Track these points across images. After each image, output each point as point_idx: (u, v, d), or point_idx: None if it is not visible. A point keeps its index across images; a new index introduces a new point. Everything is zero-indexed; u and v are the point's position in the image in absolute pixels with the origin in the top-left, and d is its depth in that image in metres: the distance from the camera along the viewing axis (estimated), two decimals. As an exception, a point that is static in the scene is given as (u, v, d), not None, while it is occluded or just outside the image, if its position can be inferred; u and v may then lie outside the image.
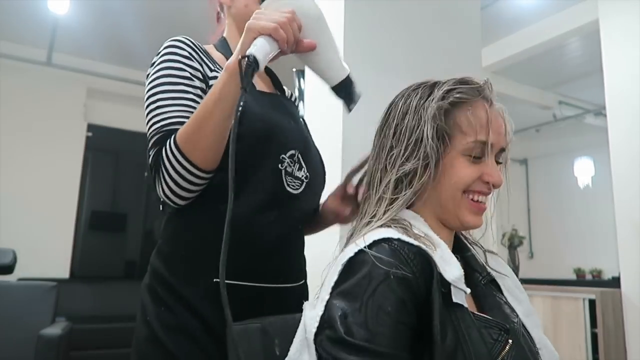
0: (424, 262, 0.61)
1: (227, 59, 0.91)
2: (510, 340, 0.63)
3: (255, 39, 0.71)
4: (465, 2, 1.93)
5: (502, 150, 0.75)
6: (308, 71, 1.78)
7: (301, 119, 1.05)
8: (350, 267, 0.62)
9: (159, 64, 0.85)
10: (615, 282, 3.27)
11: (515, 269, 4.15)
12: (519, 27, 3.93)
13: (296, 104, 1.13)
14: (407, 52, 1.71)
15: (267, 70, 1.07)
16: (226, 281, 0.57)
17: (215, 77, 0.86)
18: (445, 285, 0.62)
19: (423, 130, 0.71)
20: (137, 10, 3.69)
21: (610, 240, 3.27)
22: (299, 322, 0.68)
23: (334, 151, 1.52)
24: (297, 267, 0.93)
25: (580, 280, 5.38)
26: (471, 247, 0.80)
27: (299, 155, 0.91)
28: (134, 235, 4.89)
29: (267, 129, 0.85)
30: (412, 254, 0.61)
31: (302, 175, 0.90)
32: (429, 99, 0.73)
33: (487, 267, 0.78)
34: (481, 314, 0.66)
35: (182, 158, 0.75)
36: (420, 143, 0.70)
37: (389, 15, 1.70)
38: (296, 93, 2.24)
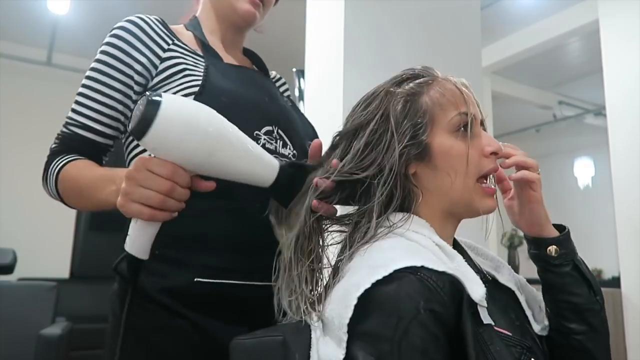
0: (454, 288, 0.55)
1: (197, 38, 0.90)
2: (532, 359, 0.61)
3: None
4: (465, 2, 1.93)
5: (482, 122, 0.71)
6: (308, 71, 1.78)
7: (287, 100, 0.99)
8: (370, 301, 0.53)
9: (101, 48, 0.84)
10: (615, 282, 3.27)
11: (516, 269, 4.14)
12: (519, 27, 3.93)
13: (282, 89, 1.06)
14: (407, 52, 1.71)
15: (247, 52, 1.01)
16: None
17: (173, 52, 0.83)
18: (472, 305, 0.56)
19: (390, 120, 0.67)
20: (137, 10, 3.66)
21: (610, 240, 3.27)
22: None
23: (334, 151, 1.52)
24: None
25: (580, 280, 5.36)
26: (463, 246, 0.78)
27: (279, 132, 0.84)
28: (134, 235, 4.87)
29: (233, 104, 0.77)
30: (442, 282, 0.54)
31: (289, 153, 0.84)
32: (389, 95, 0.70)
33: (483, 268, 0.76)
34: (502, 331, 0.61)
35: (56, 193, 0.83)
36: (390, 133, 0.66)
37: (389, 15, 1.70)
38: (296, 93, 2.24)
